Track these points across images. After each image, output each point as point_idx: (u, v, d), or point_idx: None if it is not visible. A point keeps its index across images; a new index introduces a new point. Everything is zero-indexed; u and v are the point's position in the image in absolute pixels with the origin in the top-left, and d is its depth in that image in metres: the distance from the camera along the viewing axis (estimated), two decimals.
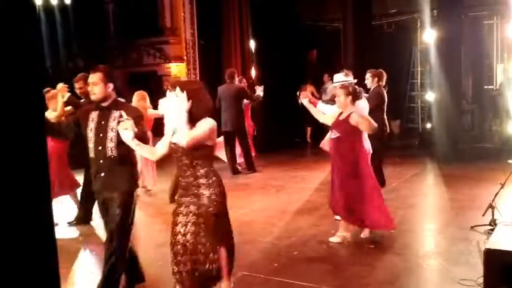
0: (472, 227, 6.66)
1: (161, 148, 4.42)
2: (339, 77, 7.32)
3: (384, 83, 8.74)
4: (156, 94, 10.75)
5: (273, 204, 8.53)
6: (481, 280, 4.54)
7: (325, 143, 9.21)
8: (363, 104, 7.06)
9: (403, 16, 14.76)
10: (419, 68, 15.09)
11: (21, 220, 2.48)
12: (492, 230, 5.98)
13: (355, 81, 7.29)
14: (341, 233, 6.45)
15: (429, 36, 12.42)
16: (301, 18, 15.32)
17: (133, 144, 4.36)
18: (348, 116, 6.19)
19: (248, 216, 7.73)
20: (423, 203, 8.62)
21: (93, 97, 4.67)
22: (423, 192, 9.38)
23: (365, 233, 6.50)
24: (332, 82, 13.29)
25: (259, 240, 6.59)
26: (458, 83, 12.62)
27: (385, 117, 8.59)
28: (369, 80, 8.68)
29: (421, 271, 5.64)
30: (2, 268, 2.39)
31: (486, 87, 14.24)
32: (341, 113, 6.35)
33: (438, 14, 12.63)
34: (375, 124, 6.20)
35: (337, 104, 6.41)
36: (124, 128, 4.30)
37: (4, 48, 2.37)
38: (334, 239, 6.43)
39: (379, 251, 6.23)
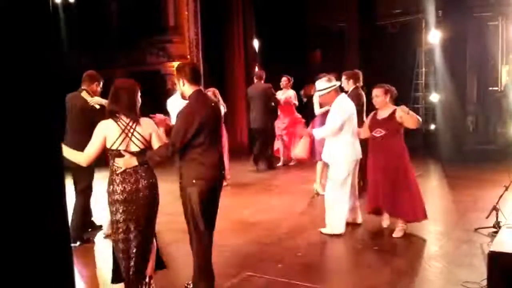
0: (476, 229, 6.65)
1: (92, 150, 4.41)
2: (321, 84, 7.03)
3: (361, 83, 8.53)
4: (159, 93, 10.76)
5: (277, 204, 8.52)
6: (485, 282, 4.51)
7: (301, 151, 9.20)
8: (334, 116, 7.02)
9: (408, 17, 14.71)
10: (423, 69, 15.03)
11: (34, 223, 2.47)
12: (496, 232, 5.96)
13: (339, 83, 7.16)
14: (401, 225, 6.69)
15: (433, 36, 12.40)
16: (305, 18, 15.29)
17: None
18: (392, 114, 6.49)
19: (252, 216, 7.72)
20: (426, 204, 8.54)
21: None
22: (426, 194, 9.29)
23: (397, 233, 6.66)
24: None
25: (264, 241, 6.57)
26: (463, 84, 12.60)
27: (365, 119, 8.20)
28: (345, 83, 8.37)
29: (425, 273, 5.62)
30: (16, 269, 2.39)
31: (490, 88, 14.21)
32: (375, 113, 6.70)
33: (443, 14, 12.61)
34: (420, 119, 6.61)
35: (375, 104, 6.66)
36: None
37: (20, 45, 2.36)
38: (397, 234, 6.62)
39: (383, 252, 6.22)
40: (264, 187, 9.75)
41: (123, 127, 4.34)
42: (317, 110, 8.70)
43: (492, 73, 14.26)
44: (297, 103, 11.48)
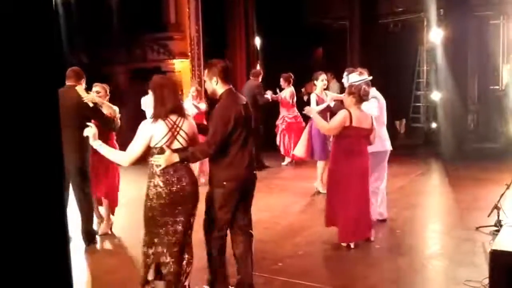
0: (477, 228, 6.62)
1: (135, 151, 4.34)
2: (353, 77, 7.19)
3: None
4: None
5: (278, 203, 8.49)
6: (486, 281, 4.49)
7: (300, 150, 9.21)
8: (371, 105, 6.94)
9: (410, 15, 14.66)
10: (425, 67, 14.99)
11: (33, 222, 2.44)
12: (498, 231, 5.93)
13: (370, 78, 7.20)
14: None
15: (435, 35, 12.38)
16: (307, 16, 15.27)
17: (100, 149, 4.45)
18: None
19: (252, 215, 7.67)
20: (428, 203, 8.58)
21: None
22: (428, 192, 9.33)
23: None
24: (336, 81, 13.34)
25: (264, 240, 6.52)
26: (464, 83, 12.59)
27: None
28: (346, 79, 8.38)
29: (426, 271, 5.60)
30: (14, 270, 2.36)
31: (491, 87, 14.17)
32: None
33: (444, 13, 12.59)
34: (325, 125, 6.47)
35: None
36: (86, 135, 4.43)
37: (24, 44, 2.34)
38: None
39: (384, 251, 6.20)
40: (264, 185, 9.68)
41: (170, 126, 4.26)
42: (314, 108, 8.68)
43: (493, 72, 14.23)
44: (291, 101, 11.33)
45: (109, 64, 12.91)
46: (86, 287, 5.46)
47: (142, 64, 12.90)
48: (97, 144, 4.42)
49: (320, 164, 8.82)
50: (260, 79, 11.12)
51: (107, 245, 6.68)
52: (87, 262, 6.15)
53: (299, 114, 11.28)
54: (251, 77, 11.34)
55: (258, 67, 13.27)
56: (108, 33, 12.94)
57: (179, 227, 4.33)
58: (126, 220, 7.30)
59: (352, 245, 6.14)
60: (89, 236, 6.49)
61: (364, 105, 6.47)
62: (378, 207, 6.97)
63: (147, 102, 8.63)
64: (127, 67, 13.22)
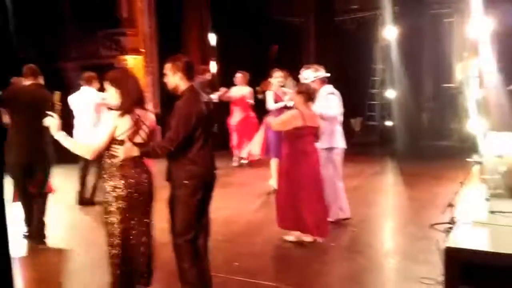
0: (431, 226, 6.64)
1: (100, 143, 4.16)
2: (308, 74, 7.11)
3: None
4: None
5: (234, 201, 8.40)
6: (441, 278, 4.48)
7: (256, 149, 9.15)
8: (332, 102, 6.88)
9: (365, 13, 14.77)
10: (380, 65, 15.10)
11: None
12: (452, 228, 5.95)
13: (328, 75, 7.14)
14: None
15: (389, 33, 12.46)
16: (264, 13, 15.21)
17: (62, 140, 4.20)
18: None
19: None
20: (383, 201, 8.62)
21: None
22: (383, 190, 9.39)
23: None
24: (292, 78, 13.27)
25: (219, 239, 6.39)
26: (419, 81, 12.73)
27: None
28: (301, 76, 8.37)
29: (382, 269, 5.61)
30: None
31: (446, 85, 14.38)
32: None
33: (399, 11, 12.69)
34: (274, 123, 6.53)
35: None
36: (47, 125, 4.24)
37: None
38: (289, 238, 6.33)
39: (340, 249, 6.20)
40: (220, 184, 9.50)
41: (135, 119, 4.15)
42: (272, 105, 8.60)
43: (447, 70, 14.43)
44: (252, 101, 11.27)
45: (60, 60, 12.57)
46: None
47: (94, 60, 12.58)
48: (60, 135, 4.18)
49: (275, 162, 8.74)
50: (207, 76, 11.00)
51: (55, 245, 6.45)
52: (34, 262, 5.95)
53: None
54: (197, 75, 11.17)
55: (213, 64, 13.13)
56: (58, 28, 12.59)
57: (135, 225, 4.21)
58: (73, 220, 7.17)
59: (308, 241, 6.12)
60: (41, 236, 6.31)
61: (324, 102, 6.46)
62: (341, 205, 6.98)
63: (74, 100, 8.29)
64: (78, 63, 12.87)
